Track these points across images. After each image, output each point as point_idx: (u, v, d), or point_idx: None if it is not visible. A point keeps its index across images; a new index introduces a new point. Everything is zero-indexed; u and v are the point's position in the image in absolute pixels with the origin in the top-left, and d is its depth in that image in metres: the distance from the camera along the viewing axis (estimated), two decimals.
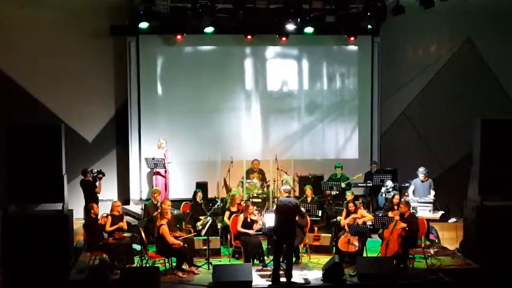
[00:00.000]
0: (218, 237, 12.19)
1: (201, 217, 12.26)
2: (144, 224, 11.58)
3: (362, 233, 11.21)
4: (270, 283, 10.30)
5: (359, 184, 14.13)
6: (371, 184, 13.90)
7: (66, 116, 14.56)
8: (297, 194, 14.02)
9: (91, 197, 12.75)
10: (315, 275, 10.71)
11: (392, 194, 12.66)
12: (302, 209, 11.26)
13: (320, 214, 12.57)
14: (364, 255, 11.28)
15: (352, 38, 14.62)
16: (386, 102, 15.73)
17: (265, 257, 11.26)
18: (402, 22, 14.63)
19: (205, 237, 11.61)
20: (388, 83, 15.66)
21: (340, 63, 15.38)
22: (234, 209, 12.24)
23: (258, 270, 10.89)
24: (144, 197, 14.66)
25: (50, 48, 14.53)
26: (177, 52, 14.96)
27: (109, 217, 11.50)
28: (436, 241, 13.18)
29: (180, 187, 14.64)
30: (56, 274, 10.48)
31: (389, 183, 13.05)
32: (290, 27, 13.45)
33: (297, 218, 11.51)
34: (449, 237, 13.59)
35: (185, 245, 10.98)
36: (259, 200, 13.48)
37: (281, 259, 10.54)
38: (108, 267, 10.30)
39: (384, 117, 15.70)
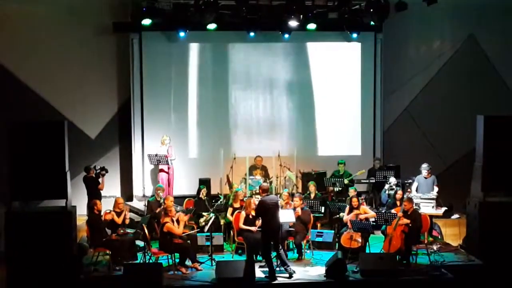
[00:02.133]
0: (221, 234, 12.21)
1: (204, 214, 12.27)
2: (147, 220, 11.61)
3: (365, 230, 11.22)
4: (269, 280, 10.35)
5: (362, 181, 14.11)
6: (374, 181, 13.88)
7: (69, 112, 14.56)
8: (300, 190, 14.03)
9: (94, 193, 12.78)
10: (318, 272, 10.74)
11: (395, 190, 12.63)
12: (305, 207, 11.28)
13: (323, 211, 12.57)
14: (367, 251, 11.29)
15: (355, 35, 14.61)
16: (389, 98, 15.71)
17: None
18: (404, 19, 14.63)
19: (208, 234, 11.63)
20: (391, 79, 15.64)
21: (342, 59, 15.34)
22: (237, 205, 12.26)
23: (261, 266, 10.90)
24: (147, 193, 14.68)
25: (53, 45, 14.54)
26: (180, 48, 14.95)
27: (113, 212, 11.52)
28: (439, 237, 13.18)
29: (183, 184, 14.65)
30: (60, 270, 10.50)
31: (392, 180, 13.02)
32: (293, 23, 13.43)
33: (300, 215, 11.62)
34: (452, 233, 13.60)
35: (188, 241, 11.01)
36: None
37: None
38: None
39: (386, 114, 15.68)
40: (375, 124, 15.47)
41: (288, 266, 10.49)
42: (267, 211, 10.48)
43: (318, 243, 12.19)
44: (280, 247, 10.62)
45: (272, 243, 10.47)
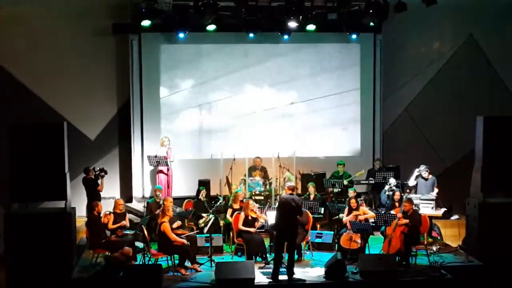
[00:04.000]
0: (221, 235, 12.21)
1: (204, 215, 12.27)
2: (147, 221, 11.61)
3: (364, 230, 11.22)
4: (271, 280, 10.33)
5: (361, 182, 14.11)
6: (373, 181, 13.89)
7: (68, 114, 14.55)
8: (299, 191, 14.03)
9: (94, 195, 12.78)
10: (317, 273, 10.73)
11: (394, 191, 12.61)
12: (303, 208, 11.29)
13: (322, 212, 12.57)
14: (367, 252, 11.29)
15: (354, 36, 14.61)
16: (388, 99, 15.71)
17: (268, 254, 11.27)
18: (404, 19, 14.63)
19: (208, 235, 11.63)
20: (390, 80, 15.65)
21: (342, 60, 15.35)
22: (236, 206, 12.26)
23: (260, 268, 10.90)
24: (147, 195, 14.68)
25: (52, 46, 14.55)
26: (179, 50, 14.95)
27: (112, 215, 11.54)
28: (439, 238, 13.17)
29: (183, 185, 14.65)
30: (59, 272, 10.50)
31: (392, 181, 13.00)
32: (292, 24, 13.44)
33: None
34: (452, 234, 13.58)
35: (188, 242, 11.01)
36: (261, 197, 13.51)
37: (282, 256, 10.58)
38: (115, 262, 10.38)
39: (386, 115, 15.68)
40: (374, 124, 15.48)
41: (292, 274, 10.43)
42: (279, 209, 10.59)
43: (317, 244, 12.18)
44: (295, 254, 10.69)
45: (285, 243, 10.50)
